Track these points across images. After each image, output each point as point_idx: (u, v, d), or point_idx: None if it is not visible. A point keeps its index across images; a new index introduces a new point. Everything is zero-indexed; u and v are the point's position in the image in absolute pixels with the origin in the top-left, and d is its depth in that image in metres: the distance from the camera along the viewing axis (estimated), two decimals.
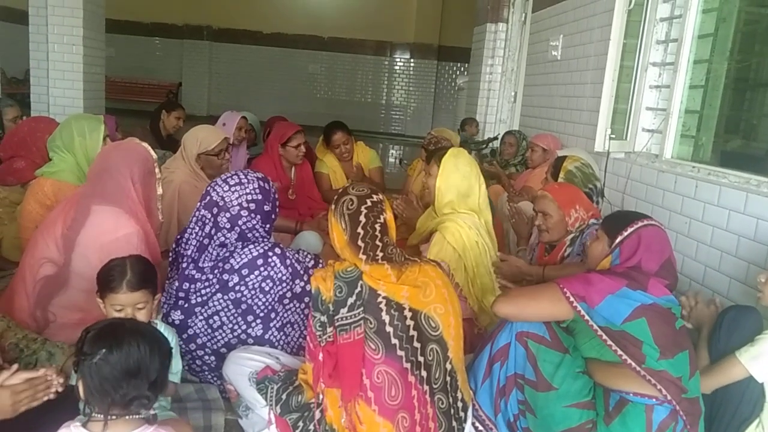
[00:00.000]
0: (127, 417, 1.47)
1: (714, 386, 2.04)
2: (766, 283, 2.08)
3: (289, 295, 2.31)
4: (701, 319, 2.21)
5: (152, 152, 2.61)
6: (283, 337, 2.33)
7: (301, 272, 2.32)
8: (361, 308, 1.82)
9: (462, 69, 12.78)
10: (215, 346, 2.29)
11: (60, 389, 1.66)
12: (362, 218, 1.87)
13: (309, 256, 2.41)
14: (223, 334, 2.28)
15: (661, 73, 3.66)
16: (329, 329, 1.83)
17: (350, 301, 1.82)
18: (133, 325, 1.58)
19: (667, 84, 3.56)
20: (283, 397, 1.97)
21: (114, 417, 1.46)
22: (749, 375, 1.98)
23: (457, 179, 2.80)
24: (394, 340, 1.82)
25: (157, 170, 2.61)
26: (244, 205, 2.30)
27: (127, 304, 1.95)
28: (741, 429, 2.04)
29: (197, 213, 2.34)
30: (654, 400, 1.89)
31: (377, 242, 1.87)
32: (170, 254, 2.45)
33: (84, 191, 2.52)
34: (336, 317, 1.82)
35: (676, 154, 3.48)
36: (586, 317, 1.93)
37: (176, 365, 2.13)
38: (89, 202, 2.42)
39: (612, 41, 3.72)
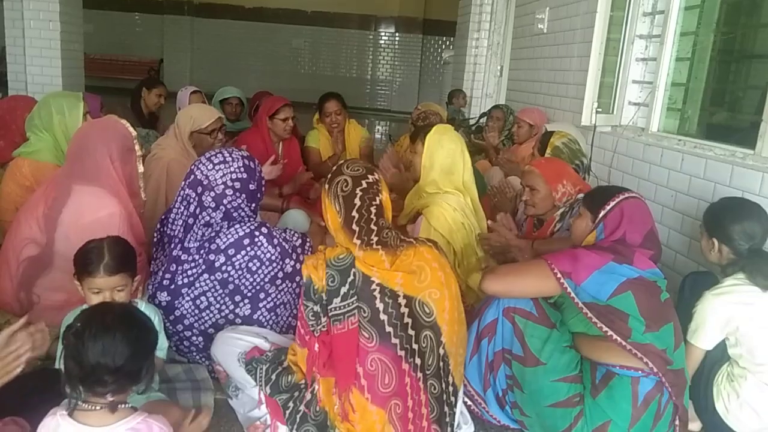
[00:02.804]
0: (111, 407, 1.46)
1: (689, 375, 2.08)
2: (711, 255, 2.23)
3: (280, 275, 2.29)
4: None
5: (131, 129, 2.55)
6: (274, 317, 2.31)
7: (290, 251, 2.30)
8: (355, 297, 1.77)
9: (448, 43, 12.69)
10: (203, 327, 2.28)
11: (27, 357, 1.63)
12: (357, 201, 1.81)
13: (296, 235, 2.38)
14: (211, 315, 2.26)
15: (647, 45, 3.64)
16: (323, 319, 1.79)
17: (343, 290, 1.77)
18: (121, 312, 1.56)
19: (653, 57, 3.55)
20: (273, 377, 1.96)
21: (99, 408, 1.45)
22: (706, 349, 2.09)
23: (441, 156, 2.78)
24: (389, 328, 1.78)
25: (137, 147, 2.55)
26: (229, 183, 2.26)
27: (105, 287, 1.92)
28: (713, 371, 2.13)
29: (182, 192, 2.30)
30: (640, 372, 1.91)
31: (372, 226, 1.82)
32: (155, 234, 2.42)
33: (63, 171, 2.48)
34: (329, 307, 1.78)
35: (663, 128, 3.49)
36: (572, 294, 1.94)
37: (162, 342, 2.11)
38: (70, 182, 2.39)
39: (599, 13, 3.69)
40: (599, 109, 3.77)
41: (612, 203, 2.09)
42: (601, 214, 2.11)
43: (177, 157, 3.24)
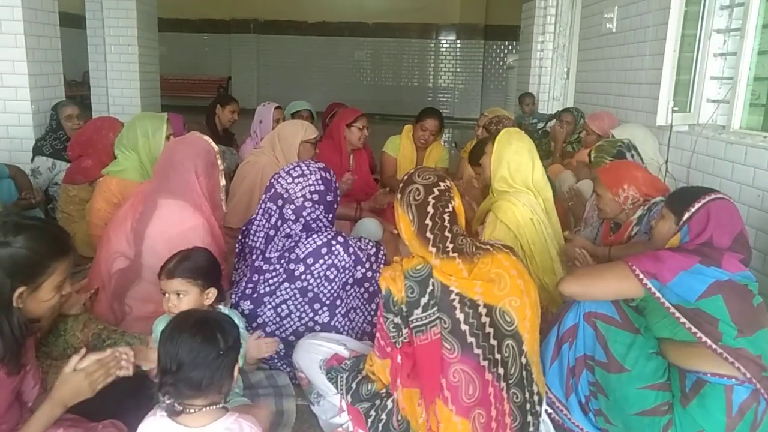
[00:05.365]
0: (205, 408, 1.51)
1: None
2: None
3: (350, 281, 2.34)
4: None
5: (213, 144, 2.65)
6: (348, 323, 2.36)
7: (363, 259, 2.34)
8: (435, 308, 1.76)
9: (510, 47, 12.57)
10: (284, 335, 2.34)
11: (129, 365, 1.71)
12: (430, 209, 1.81)
13: (371, 243, 2.42)
14: (291, 322, 2.32)
15: (725, 40, 3.50)
16: (404, 330, 1.79)
17: (423, 301, 1.76)
18: (200, 316, 1.61)
19: (733, 51, 3.41)
20: (353, 386, 1.99)
21: (194, 410, 1.50)
22: None
23: (509, 153, 2.78)
24: (471, 339, 1.77)
25: (219, 162, 2.66)
26: (308, 196, 2.32)
27: (166, 290, 2.00)
28: None
29: (263, 205, 2.38)
30: (733, 380, 1.83)
31: (446, 233, 1.81)
32: (237, 245, 2.50)
33: (151, 186, 2.59)
34: (410, 318, 1.77)
35: (745, 124, 3.33)
36: (657, 294, 1.87)
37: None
38: (156, 197, 2.49)
39: (673, 9, 3.58)
40: (675, 108, 3.64)
41: (697, 205, 2.01)
42: (685, 216, 2.03)
43: (270, 163, 3.38)
